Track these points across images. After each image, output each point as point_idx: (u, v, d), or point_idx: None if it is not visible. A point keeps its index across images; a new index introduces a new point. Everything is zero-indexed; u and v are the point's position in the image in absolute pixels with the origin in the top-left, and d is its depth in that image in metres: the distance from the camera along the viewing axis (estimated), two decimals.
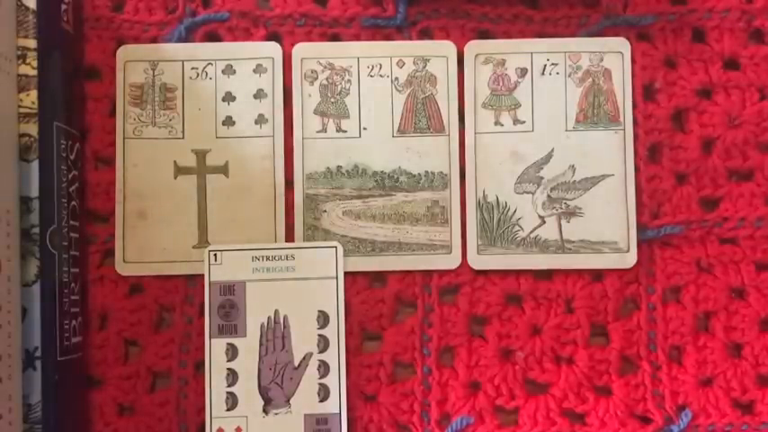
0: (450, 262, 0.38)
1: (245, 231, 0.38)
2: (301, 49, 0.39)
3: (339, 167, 0.39)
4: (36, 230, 0.35)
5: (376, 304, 0.38)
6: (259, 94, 0.39)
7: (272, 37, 0.39)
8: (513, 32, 0.39)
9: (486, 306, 0.38)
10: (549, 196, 0.38)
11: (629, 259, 0.38)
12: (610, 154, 0.38)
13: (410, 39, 0.39)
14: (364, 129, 0.39)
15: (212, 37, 0.39)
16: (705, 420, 0.37)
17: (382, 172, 0.39)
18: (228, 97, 0.39)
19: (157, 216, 0.38)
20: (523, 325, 0.38)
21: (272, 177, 0.38)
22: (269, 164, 0.39)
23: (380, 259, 0.38)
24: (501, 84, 0.39)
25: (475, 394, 0.38)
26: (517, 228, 0.38)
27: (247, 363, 0.37)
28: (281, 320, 0.37)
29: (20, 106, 0.35)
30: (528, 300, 0.38)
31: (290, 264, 0.37)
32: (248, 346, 0.37)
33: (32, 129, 0.35)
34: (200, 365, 0.38)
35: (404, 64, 0.39)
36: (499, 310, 0.38)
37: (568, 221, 0.38)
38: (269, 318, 0.37)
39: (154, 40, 0.39)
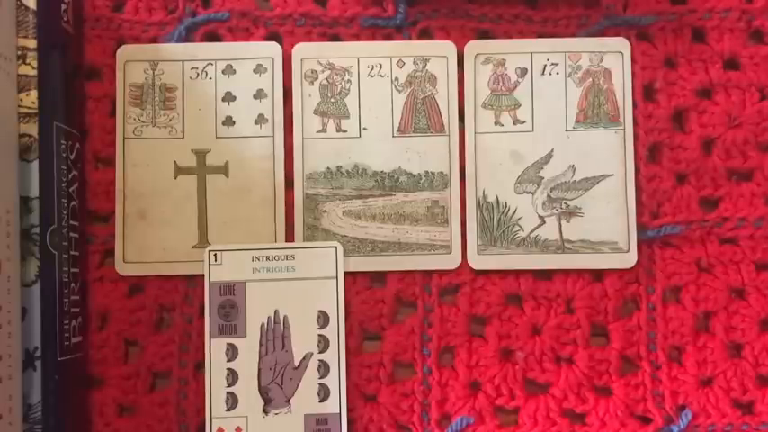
0: (450, 262, 0.38)
1: (245, 231, 0.38)
2: (301, 49, 0.39)
3: (339, 167, 0.39)
4: (36, 230, 0.35)
5: (376, 304, 0.38)
6: (259, 94, 0.39)
7: (272, 37, 0.39)
8: (513, 32, 0.39)
9: (486, 306, 0.38)
10: (548, 196, 0.38)
11: (629, 259, 0.38)
12: (610, 154, 0.38)
13: (410, 39, 0.39)
14: (364, 129, 0.39)
15: (212, 37, 0.39)
16: (705, 420, 0.37)
17: (382, 172, 0.39)
18: (228, 97, 0.39)
19: (157, 216, 0.38)
20: (523, 325, 0.38)
21: (272, 177, 0.38)
22: (269, 164, 0.39)
23: (380, 259, 0.38)
24: (501, 84, 0.39)
25: (475, 394, 0.38)
26: (517, 228, 0.38)
27: (247, 363, 0.37)
28: (281, 320, 0.37)
29: (20, 106, 0.35)
30: (528, 300, 0.38)
31: (290, 264, 0.37)
32: (248, 346, 0.37)
33: (32, 129, 0.35)
34: (200, 365, 0.38)
35: (404, 64, 0.39)
36: (499, 310, 0.38)
37: (568, 221, 0.38)
38: (269, 318, 0.37)
39: (154, 40, 0.39)
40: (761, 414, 0.37)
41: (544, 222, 0.38)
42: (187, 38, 0.39)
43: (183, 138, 0.39)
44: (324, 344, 0.37)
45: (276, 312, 0.37)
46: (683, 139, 0.39)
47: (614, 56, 0.39)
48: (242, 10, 0.39)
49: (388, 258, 0.38)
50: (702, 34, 0.39)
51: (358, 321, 0.38)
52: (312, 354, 0.37)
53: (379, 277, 0.38)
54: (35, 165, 0.35)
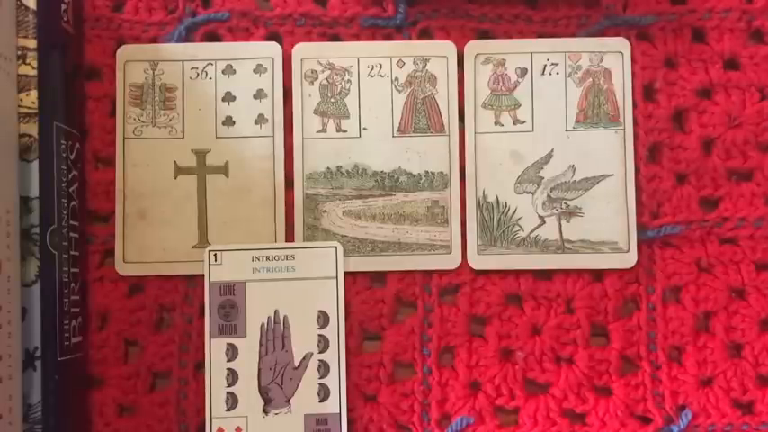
0: (450, 262, 0.38)
1: (245, 231, 0.38)
2: (301, 49, 0.39)
3: (339, 167, 0.39)
4: (36, 230, 0.35)
5: (376, 304, 0.38)
6: (259, 94, 0.39)
7: (272, 37, 0.39)
8: (513, 32, 0.39)
9: (486, 306, 0.38)
10: (548, 196, 0.38)
11: (629, 259, 0.38)
12: (610, 154, 0.38)
13: (410, 39, 0.39)
14: (364, 129, 0.39)
15: (212, 37, 0.39)
16: (705, 420, 0.37)
17: (382, 172, 0.39)
18: (228, 97, 0.39)
19: (157, 216, 0.38)
20: (523, 325, 0.38)
21: (272, 177, 0.38)
22: (269, 164, 0.39)
23: (380, 259, 0.38)
24: (501, 84, 0.39)
25: (475, 394, 0.38)
26: (517, 228, 0.38)
27: (247, 363, 0.37)
28: (281, 320, 0.37)
29: (20, 106, 0.35)
30: (528, 300, 0.38)
31: (290, 264, 0.37)
32: (248, 346, 0.37)
33: (32, 129, 0.35)
34: (200, 365, 0.38)
35: (404, 64, 0.39)
36: (499, 310, 0.38)
37: (568, 221, 0.38)
38: (269, 318, 0.37)
39: (154, 40, 0.39)
40: (761, 414, 0.37)
41: (544, 222, 0.38)
42: (187, 38, 0.39)
43: (183, 138, 0.39)
44: (324, 344, 0.37)
45: (276, 312, 0.37)
46: (683, 139, 0.39)
47: (614, 56, 0.39)
48: (242, 10, 0.39)
49: (388, 258, 0.38)
50: (702, 34, 0.39)
51: (358, 321, 0.38)
52: (312, 354, 0.37)
53: (379, 277, 0.38)
54: (35, 165, 0.35)
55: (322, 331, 0.37)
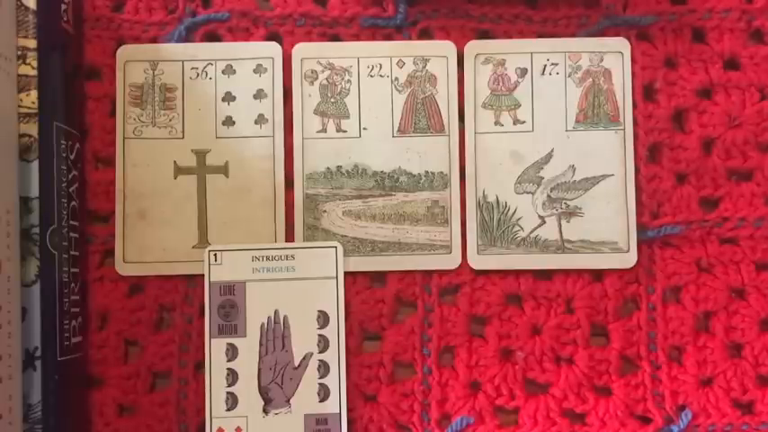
0: (450, 262, 0.38)
1: (245, 231, 0.38)
2: (301, 49, 0.39)
3: (339, 167, 0.39)
4: (36, 230, 0.35)
5: (376, 304, 0.38)
6: (259, 94, 0.39)
7: (272, 37, 0.39)
8: (513, 32, 0.39)
9: (486, 306, 0.38)
10: (548, 196, 0.38)
11: (629, 259, 0.38)
12: (610, 154, 0.38)
13: (410, 39, 0.39)
14: (364, 129, 0.39)
15: (212, 37, 0.39)
16: (705, 420, 0.37)
17: (382, 172, 0.39)
18: (228, 97, 0.39)
19: (157, 216, 0.38)
20: (523, 325, 0.38)
21: (272, 177, 0.38)
22: (269, 164, 0.39)
23: (380, 259, 0.38)
24: (501, 84, 0.39)
25: (475, 394, 0.38)
26: (517, 228, 0.38)
27: (247, 363, 0.37)
28: (281, 320, 0.37)
29: (20, 106, 0.35)
30: (528, 300, 0.38)
31: (290, 264, 0.37)
32: (248, 346, 0.37)
33: (32, 129, 0.35)
34: (200, 365, 0.38)
35: (404, 64, 0.39)
36: (499, 310, 0.38)
37: (568, 221, 0.38)
38: (269, 318, 0.37)
39: (154, 40, 0.39)
40: (761, 414, 0.37)
41: (544, 222, 0.38)
42: (187, 38, 0.39)
43: (183, 138, 0.39)
44: (324, 344, 0.37)
45: (276, 312, 0.37)
46: (683, 139, 0.39)
47: (614, 56, 0.39)
48: (242, 10, 0.39)
49: (388, 258, 0.38)
50: (702, 34, 0.39)
51: (358, 321, 0.38)
52: (312, 354, 0.37)
53: (379, 277, 0.38)
54: (35, 165, 0.35)
55: (322, 331, 0.37)
